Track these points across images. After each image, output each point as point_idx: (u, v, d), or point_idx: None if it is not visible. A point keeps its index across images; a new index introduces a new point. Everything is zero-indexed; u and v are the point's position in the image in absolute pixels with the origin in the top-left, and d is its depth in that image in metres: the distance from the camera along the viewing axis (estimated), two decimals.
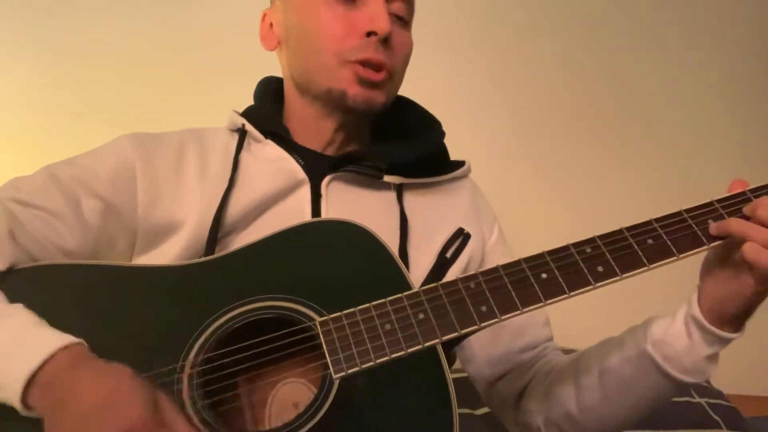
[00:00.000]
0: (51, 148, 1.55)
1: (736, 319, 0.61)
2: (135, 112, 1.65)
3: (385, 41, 0.75)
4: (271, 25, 0.83)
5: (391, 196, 0.79)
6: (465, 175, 0.87)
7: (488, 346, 0.81)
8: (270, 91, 0.88)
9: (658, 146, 1.83)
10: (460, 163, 0.86)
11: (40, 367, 0.52)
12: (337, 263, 0.65)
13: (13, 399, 0.52)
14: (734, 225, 0.59)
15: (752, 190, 0.62)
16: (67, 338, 0.54)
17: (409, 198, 0.79)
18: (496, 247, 0.84)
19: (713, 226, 0.60)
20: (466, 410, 1.20)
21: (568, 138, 1.81)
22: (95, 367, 0.53)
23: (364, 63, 0.74)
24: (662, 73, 1.87)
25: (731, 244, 0.60)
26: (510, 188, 1.70)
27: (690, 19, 1.89)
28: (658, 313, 0.69)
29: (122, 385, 0.51)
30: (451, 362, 0.81)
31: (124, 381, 0.51)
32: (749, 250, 0.57)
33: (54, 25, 1.70)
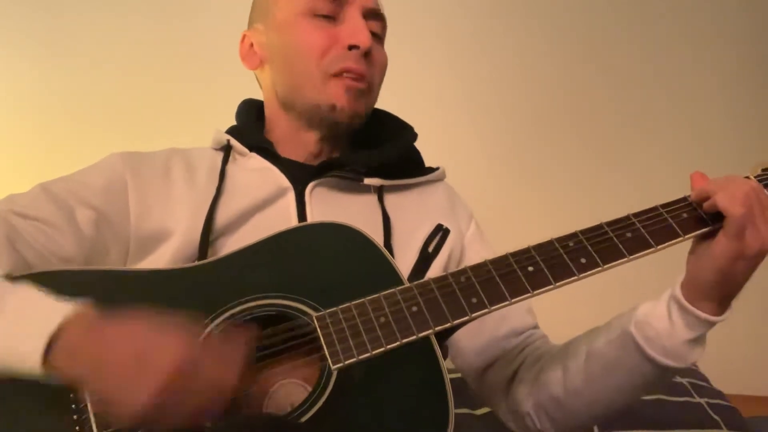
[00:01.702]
0: (50, 149, 1.59)
1: (713, 293, 0.63)
2: (133, 114, 1.68)
3: (366, 55, 0.80)
4: (252, 45, 0.87)
5: (372, 198, 0.83)
6: (440, 179, 0.92)
7: (473, 336, 0.84)
8: (251, 111, 0.92)
9: (653, 147, 1.84)
10: (435, 168, 0.91)
11: (58, 332, 0.54)
12: (332, 263, 0.69)
13: (35, 367, 0.54)
14: (711, 184, 0.64)
15: None
16: (76, 303, 0.57)
17: (389, 199, 0.84)
18: (474, 239, 0.88)
19: (694, 192, 0.65)
20: (465, 410, 1.21)
21: (565, 138, 1.83)
22: (116, 318, 0.55)
23: (347, 72, 0.79)
24: (659, 73, 1.89)
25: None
26: (507, 187, 1.72)
27: (687, 19, 1.91)
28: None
29: (152, 329, 0.54)
30: (445, 356, 0.83)
31: (150, 321, 0.55)
32: (721, 197, 0.61)
33: (53, 26, 1.74)
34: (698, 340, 0.65)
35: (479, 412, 1.22)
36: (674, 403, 1.33)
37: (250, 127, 0.89)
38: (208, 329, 0.61)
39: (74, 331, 0.55)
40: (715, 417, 1.33)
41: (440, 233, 0.82)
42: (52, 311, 0.56)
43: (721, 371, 1.46)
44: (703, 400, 1.37)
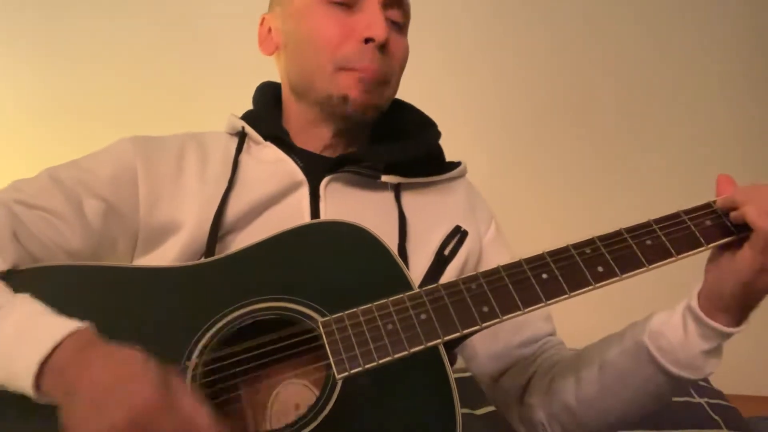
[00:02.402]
0: (50, 149, 1.56)
1: (733, 305, 0.61)
2: (135, 113, 1.65)
3: (382, 47, 0.76)
4: (270, 29, 0.84)
5: (389, 196, 0.80)
6: (461, 176, 0.88)
7: (489, 342, 0.81)
8: (269, 96, 0.89)
9: (657, 147, 1.83)
10: (456, 164, 0.88)
11: (51, 353, 0.52)
12: (339, 264, 0.66)
13: (27, 387, 0.52)
14: (739, 194, 0.61)
15: None
16: (75, 323, 0.54)
17: (406, 197, 0.81)
18: (494, 243, 0.85)
19: (720, 200, 0.62)
20: (466, 410, 1.20)
21: (567, 139, 1.81)
22: (105, 349, 0.53)
23: (361, 71, 0.75)
24: (662, 74, 1.87)
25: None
26: (508, 189, 1.70)
27: (690, 21, 1.89)
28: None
29: (132, 364, 0.50)
30: (452, 362, 0.82)
31: (134, 361, 0.51)
32: (750, 211, 0.58)
33: (53, 26, 1.71)
34: (714, 351, 0.63)
35: (479, 412, 1.21)
36: (674, 403, 1.32)
37: (267, 113, 0.86)
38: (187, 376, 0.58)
39: (64, 355, 0.52)
40: (715, 417, 1.33)
41: (458, 235, 0.79)
42: (49, 331, 0.54)
43: (721, 371, 1.46)
44: (703, 400, 1.37)
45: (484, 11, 1.84)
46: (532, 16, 1.86)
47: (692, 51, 1.88)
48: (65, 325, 0.54)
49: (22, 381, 0.52)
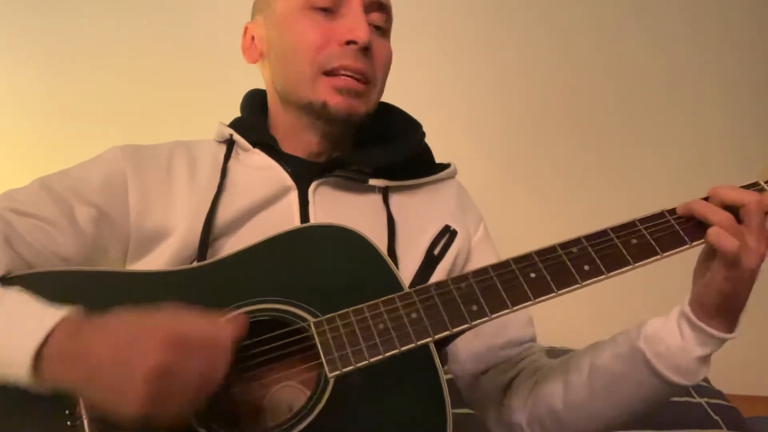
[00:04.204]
0: (49, 151, 1.58)
1: (720, 313, 0.62)
2: (134, 115, 1.67)
3: (365, 51, 0.76)
4: (253, 38, 0.85)
5: (378, 199, 0.80)
6: (451, 177, 0.89)
7: (470, 342, 0.82)
8: (256, 103, 0.90)
9: (654, 149, 1.84)
10: (445, 165, 0.88)
11: (46, 340, 0.53)
12: (330, 266, 0.67)
13: (23, 376, 0.53)
14: (697, 205, 0.62)
15: None
16: (64, 310, 0.56)
17: (395, 200, 0.81)
18: (481, 243, 0.86)
19: (680, 207, 0.63)
20: (465, 410, 1.20)
21: (562, 139, 1.82)
22: (99, 321, 0.55)
23: (343, 70, 0.76)
24: (661, 74, 1.87)
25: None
26: (505, 188, 1.71)
27: (689, 22, 1.89)
28: (645, 313, 0.70)
29: (131, 325, 0.54)
30: (443, 361, 0.83)
31: (131, 320, 0.54)
32: (711, 233, 0.60)
33: (52, 28, 1.73)
34: (706, 359, 0.64)
35: None
36: (674, 403, 1.31)
37: (254, 120, 0.87)
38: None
39: (61, 338, 0.54)
40: (715, 417, 1.32)
41: (447, 235, 0.80)
42: (39, 319, 0.55)
43: (721, 371, 1.46)
44: (703, 400, 1.36)
45: (482, 12, 1.85)
46: (532, 17, 1.86)
47: (690, 52, 1.88)
48: (55, 312, 0.56)
49: (19, 371, 0.53)
